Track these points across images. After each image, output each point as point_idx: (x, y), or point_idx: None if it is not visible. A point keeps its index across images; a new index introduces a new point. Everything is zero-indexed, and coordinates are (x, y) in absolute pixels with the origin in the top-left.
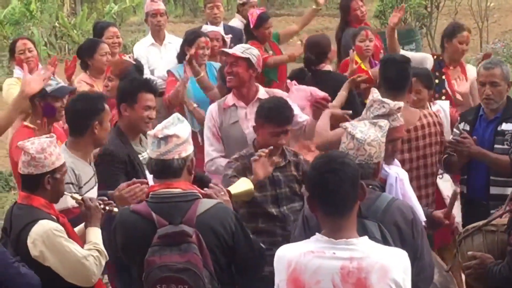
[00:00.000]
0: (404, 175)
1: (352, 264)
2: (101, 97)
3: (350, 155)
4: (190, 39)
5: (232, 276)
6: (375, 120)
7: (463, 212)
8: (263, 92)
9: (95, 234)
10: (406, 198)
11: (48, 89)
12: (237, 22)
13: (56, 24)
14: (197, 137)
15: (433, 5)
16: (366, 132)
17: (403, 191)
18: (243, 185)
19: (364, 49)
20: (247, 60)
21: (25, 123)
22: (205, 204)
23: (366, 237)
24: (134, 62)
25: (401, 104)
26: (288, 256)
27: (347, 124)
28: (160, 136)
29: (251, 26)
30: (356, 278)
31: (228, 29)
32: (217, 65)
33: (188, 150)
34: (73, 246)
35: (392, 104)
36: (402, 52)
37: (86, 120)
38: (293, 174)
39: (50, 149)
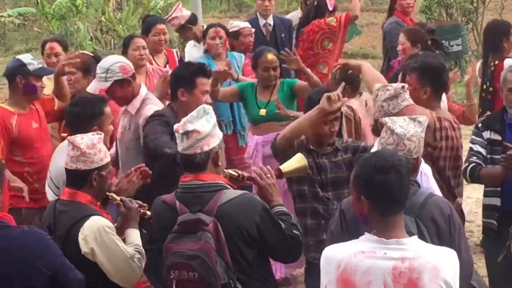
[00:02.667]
0: (428, 170)
1: (404, 264)
2: (101, 100)
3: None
4: (204, 31)
5: (266, 269)
6: (414, 116)
7: (498, 223)
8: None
9: (135, 236)
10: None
11: (30, 67)
12: (298, 14)
13: (102, 19)
14: None
15: (479, 0)
16: (405, 127)
17: (428, 185)
18: (295, 161)
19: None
20: (116, 82)
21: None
22: (228, 195)
23: (415, 237)
24: (91, 55)
25: (404, 84)
26: (337, 256)
27: (386, 119)
28: (181, 131)
29: (330, 9)
30: (408, 278)
31: (278, 20)
32: (238, 55)
33: (211, 143)
34: (122, 245)
35: (395, 84)
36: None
37: (85, 125)
38: (340, 160)
39: (99, 145)
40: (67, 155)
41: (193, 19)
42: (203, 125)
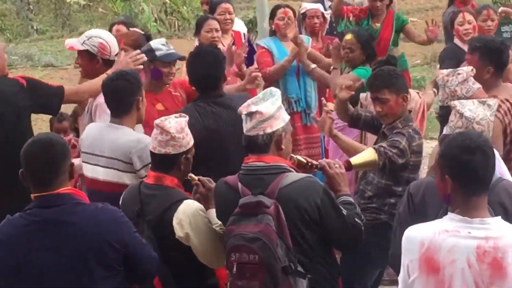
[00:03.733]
0: (497, 154)
1: (488, 243)
2: (137, 72)
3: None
4: (272, 11)
5: (329, 253)
6: (483, 99)
7: None
8: None
9: (215, 216)
10: (504, 177)
11: (158, 53)
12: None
13: (167, 0)
14: None
15: None
16: (474, 111)
17: (499, 169)
18: (366, 155)
19: (463, 33)
20: (87, 52)
21: None
22: (290, 178)
23: (499, 217)
24: (142, 32)
25: (471, 67)
26: (420, 235)
27: (455, 102)
28: (244, 112)
29: None
30: (492, 257)
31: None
32: (306, 38)
33: (274, 125)
34: (213, 227)
35: (465, 68)
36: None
37: (130, 98)
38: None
39: (186, 128)
40: (153, 139)
41: None
42: (266, 107)
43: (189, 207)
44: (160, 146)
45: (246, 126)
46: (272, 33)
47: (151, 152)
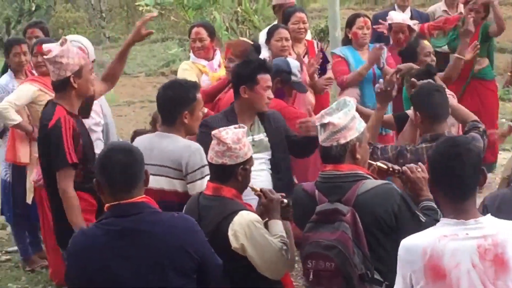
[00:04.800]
0: None
1: (487, 241)
2: (193, 86)
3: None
4: (350, 20)
5: None
6: None
7: None
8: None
9: (279, 227)
10: None
11: (293, 79)
12: (441, 6)
13: (238, 9)
14: None
15: None
16: None
17: None
18: None
19: None
20: None
21: None
22: (367, 185)
23: (489, 215)
24: (251, 43)
25: None
26: (421, 244)
27: None
28: (318, 123)
29: None
30: (494, 254)
31: (416, 14)
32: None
33: (348, 136)
34: (271, 238)
35: None
36: None
37: (176, 109)
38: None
39: (244, 139)
40: (211, 149)
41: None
42: (339, 118)
43: (244, 218)
44: (217, 157)
45: (321, 136)
46: (345, 41)
47: (209, 162)
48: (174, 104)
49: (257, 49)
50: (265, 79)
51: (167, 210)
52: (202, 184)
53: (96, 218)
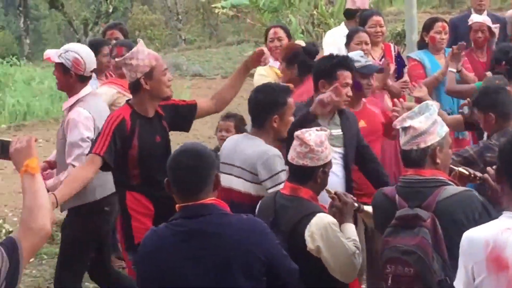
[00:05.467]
0: None
1: None
2: (284, 90)
3: None
4: (427, 24)
5: None
6: None
7: None
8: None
9: (352, 230)
10: None
11: (357, 65)
12: None
13: (314, 12)
14: None
15: None
16: None
17: None
18: None
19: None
20: (62, 65)
21: None
22: (448, 191)
23: None
24: (303, 45)
25: None
26: (484, 236)
27: None
28: (398, 126)
29: None
30: None
31: (492, 18)
32: None
33: (428, 141)
34: (345, 242)
35: None
36: None
37: (266, 113)
38: None
39: (326, 142)
40: (293, 150)
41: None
42: (420, 122)
43: (321, 220)
44: (298, 158)
45: (401, 139)
46: (420, 45)
47: (289, 162)
48: (264, 108)
49: (310, 52)
50: (345, 75)
51: (241, 212)
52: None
53: (153, 223)
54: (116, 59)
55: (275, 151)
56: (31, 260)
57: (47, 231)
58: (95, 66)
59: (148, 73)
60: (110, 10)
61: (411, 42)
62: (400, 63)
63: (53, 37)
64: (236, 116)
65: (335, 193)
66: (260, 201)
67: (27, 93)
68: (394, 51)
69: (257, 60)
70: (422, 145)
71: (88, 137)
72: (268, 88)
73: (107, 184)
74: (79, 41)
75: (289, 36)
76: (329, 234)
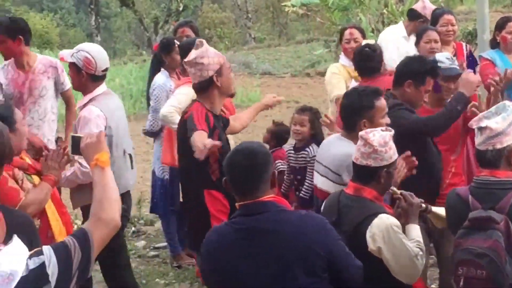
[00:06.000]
0: None
1: None
2: (371, 93)
3: None
4: (499, 23)
5: None
6: None
7: None
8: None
9: (416, 232)
10: None
11: (442, 66)
12: None
13: (384, 11)
14: None
15: None
16: None
17: None
18: None
19: None
20: (74, 64)
21: None
22: None
23: None
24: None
25: None
26: None
27: None
28: (475, 126)
29: None
30: None
31: None
32: None
33: (504, 142)
34: (408, 243)
35: None
36: None
37: (355, 118)
38: None
39: (390, 142)
40: (357, 150)
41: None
42: (496, 122)
43: (383, 221)
44: (362, 158)
45: (477, 139)
46: (492, 44)
47: (353, 162)
48: (352, 113)
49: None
50: (430, 83)
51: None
52: None
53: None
54: (185, 60)
55: None
56: None
57: (117, 222)
58: (107, 66)
59: (218, 71)
60: (181, 8)
61: (482, 41)
62: (472, 62)
63: (124, 35)
64: (312, 109)
65: (401, 194)
66: (325, 200)
67: None
68: (466, 50)
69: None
70: (498, 146)
71: None
72: (354, 93)
73: (121, 181)
74: (149, 39)
75: (364, 36)
76: (391, 235)
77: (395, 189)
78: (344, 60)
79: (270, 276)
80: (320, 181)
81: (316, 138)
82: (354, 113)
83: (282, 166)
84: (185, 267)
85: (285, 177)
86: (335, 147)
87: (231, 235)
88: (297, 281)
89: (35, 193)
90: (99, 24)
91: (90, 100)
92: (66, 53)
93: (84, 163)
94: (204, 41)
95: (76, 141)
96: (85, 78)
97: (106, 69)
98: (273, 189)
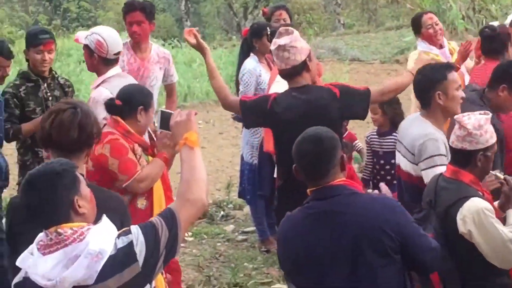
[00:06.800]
0: None
1: None
2: (444, 66)
3: None
4: None
5: None
6: None
7: None
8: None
9: None
10: None
11: None
12: None
13: None
14: None
15: None
16: None
17: None
18: None
19: None
20: (87, 47)
21: None
22: None
23: None
24: None
25: None
26: None
27: None
28: None
29: None
30: None
31: None
32: None
33: None
34: (501, 228)
35: None
36: None
37: (428, 91)
38: None
39: (486, 126)
40: (453, 133)
41: None
42: None
43: (474, 204)
44: (457, 141)
45: None
46: None
47: (449, 145)
48: (424, 87)
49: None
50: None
51: (407, 190)
52: (433, 173)
53: None
54: (279, 44)
55: (433, 135)
56: (190, 239)
57: (204, 202)
58: (120, 49)
59: (309, 55)
60: None
61: None
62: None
63: (213, 20)
64: None
65: (504, 178)
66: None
67: (188, 74)
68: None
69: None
70: None
71: (105, 118)
72: (426, 67)
73: None
74: (238, 24)
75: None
76: (482, 219)
77: (498, 174)
78: (423, 45)
79: (345, 258)
80: (402, 162)
81: (396, 121)
82: (427, 86)
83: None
84: (273, 252)
85: (365, 163)
86: (412, 127)
87: (305, 220)
88: (369, 262)
89: (149, 168)
90: (189, 9)
91: (102, 82)
92: (81, 35)
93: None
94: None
95: (165, 116)
96: (97, 60)
97: (118, 53)
98: (343, 172)
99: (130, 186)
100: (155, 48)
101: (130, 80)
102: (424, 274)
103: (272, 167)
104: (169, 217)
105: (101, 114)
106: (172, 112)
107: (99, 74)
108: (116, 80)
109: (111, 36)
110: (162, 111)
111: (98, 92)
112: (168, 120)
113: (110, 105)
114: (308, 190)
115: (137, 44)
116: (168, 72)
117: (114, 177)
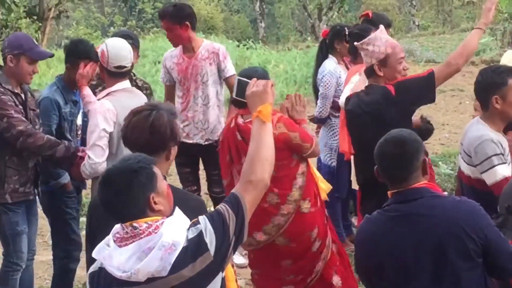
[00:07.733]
0: None
1: None
2: (506, 71)
3: None
4: None
5: None
6: None
7: None
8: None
9: None
10: None
11: None
12: None
13: None
14: None
15: None
16: None
17: None
18: None
19: None
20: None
21: None
22: None
23: None
24: None
25: None
26: None
27: None
28: None
29: None
30: None
31: None
32: None
33: None
34: None
35: None
36: None
37: (486, 94)
38: None
39: None
40: None
41: None
42: None
43: None
44: None
45: None
46: None
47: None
48: (483, 89)
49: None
50: None
51: (468, 193)
52: (494, 174)
53: None
54: (356, 43)
55: (489, 136)
56: None
57: (266, 183)
58: (120, 63)
59: (382, 60)
60: None
61: None
62: None
63: (287, 21)
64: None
65: None
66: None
67: None
68: None
69: None
70: None
71: (104, 129)
72: (489, 69)
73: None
74: (313, 25)
75: None
76: None
77: None
78: None
79: (430, 261)
80: (462, 164)
81: None
82: (486, 89)
83: None
84: (348, 254)
85: None
86: (471, 130)
87: (386, 223)
88: (453, 265)
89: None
90: (263, 10)
91: (107, 95)
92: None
93: (93, 155)
94: (382, 27)
95: (241, 84)
96: (101, 70)
97: (119, 67)
98: (425, 176)
99: (313, 151)
100: (205, 45)
101: (139, 96)
102: (504, 278)
103: (349, 169)
104: (234, 202)
105: (101, 124)
106: (249, 81)
107: (106, 86)
108: (123, 95)
109: (115, 48)
110: (238, 79)
111: (99, 103)
112: (244, 88)
113: None
114: (388, 192)
115: (184, 46)
116: (220, 66)
117: (299, 150)
